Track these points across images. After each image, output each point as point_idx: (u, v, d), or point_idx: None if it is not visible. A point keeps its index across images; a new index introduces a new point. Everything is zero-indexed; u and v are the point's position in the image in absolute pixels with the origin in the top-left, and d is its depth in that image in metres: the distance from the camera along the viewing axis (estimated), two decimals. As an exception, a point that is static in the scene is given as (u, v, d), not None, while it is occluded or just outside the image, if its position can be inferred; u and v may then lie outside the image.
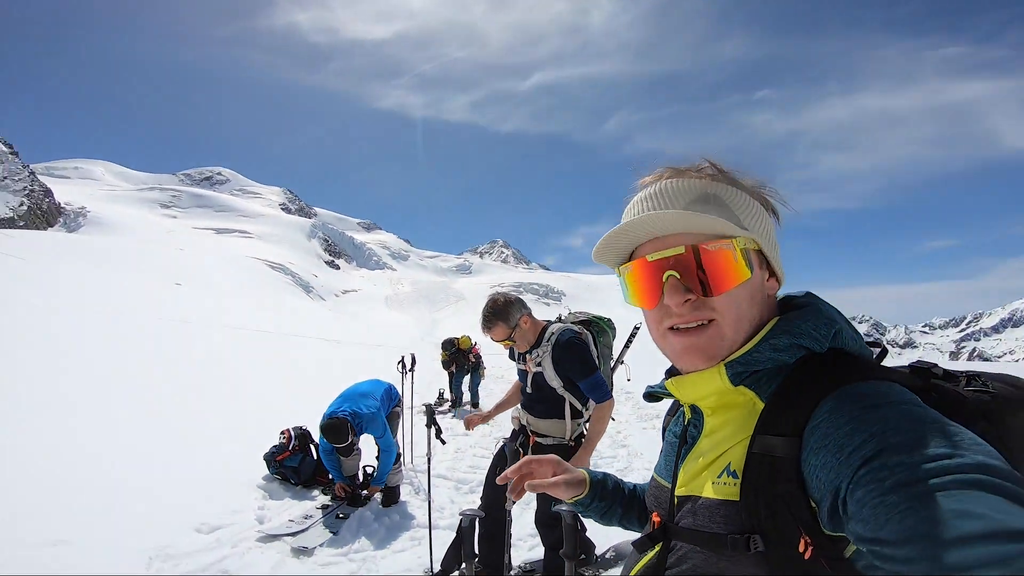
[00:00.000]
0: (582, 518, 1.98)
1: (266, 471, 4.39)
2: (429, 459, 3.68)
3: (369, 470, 4.32)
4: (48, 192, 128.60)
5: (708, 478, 0.68)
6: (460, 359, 8.60)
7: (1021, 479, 0.45)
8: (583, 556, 2.73)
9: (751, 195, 0.72)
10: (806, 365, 0.64)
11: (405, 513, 4.02)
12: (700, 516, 0.67)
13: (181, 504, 3.59)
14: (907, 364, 0.71)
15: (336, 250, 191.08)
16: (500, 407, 3.00)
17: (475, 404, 8.52)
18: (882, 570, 0.46)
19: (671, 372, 0.79)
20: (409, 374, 5.82)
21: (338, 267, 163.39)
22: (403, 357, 5.94)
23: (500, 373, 12.69)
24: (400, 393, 4.79)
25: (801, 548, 0.57)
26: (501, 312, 2.52)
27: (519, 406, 2.79)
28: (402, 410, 4.82)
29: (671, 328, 0.69)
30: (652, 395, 0.81)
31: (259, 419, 5.94)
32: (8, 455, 4.12)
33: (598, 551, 3.14)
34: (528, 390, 2.64)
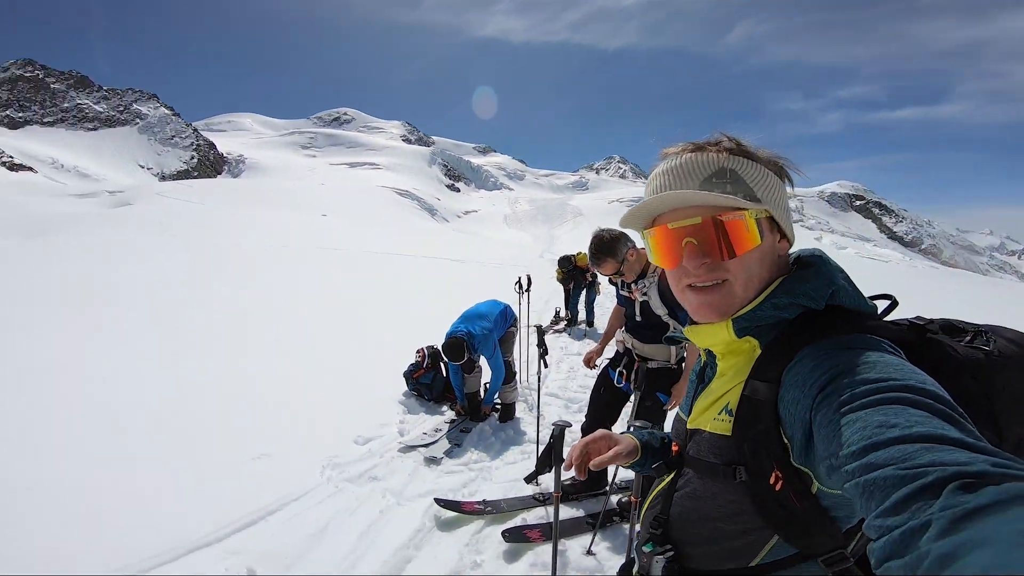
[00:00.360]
0: None
1: (405, 387, 4.77)
2: (540, 378, 3.91)
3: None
4: (212, 145, 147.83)
5: (711, 414, 0.77)
6: (577, 276, 8.37)
7: (942, 397, 0.53)
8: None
9: (766, 166, 0.77)
10: (802, 320, 0.72)
11: (518, 429, 4.29)
12: (702, 447, 0.77)
13: (343, 420, 4.12)
14: (907, 319, 0.77)
15: (455, 174, 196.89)
16: (608, 337, 3.13)
17: (590, 323, 8.42)
18: (839, 482, 0.52)
19: (691, 321, 0.86)
20: (525, 294, 5.98)
21: (458, 190, 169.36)
22: (519, 278, 6.04)
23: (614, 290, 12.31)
24: (516, 313, 4.87)
25: (772, 480, 0.65)
26: (608, 248, 2.63)
27: (623, 330, 2.90)
28: (518, 330, 4.91)
29: (689, 286, 0.77)
30: (672, 339, 0.91)
31: (399, 338, 6.38)
32: (217, 378, 5.00)
33: None
34: (636, 317, 2.75)
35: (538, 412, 3.72)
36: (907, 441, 0.47)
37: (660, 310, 2.60)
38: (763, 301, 0.74)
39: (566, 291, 8.58)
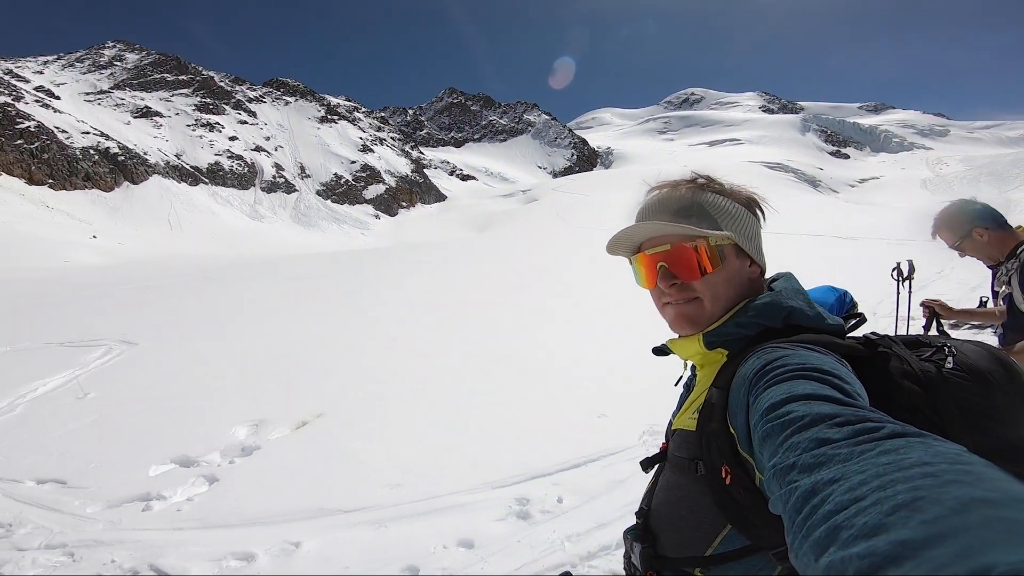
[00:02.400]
0: None
1: None
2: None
3: None
4: (584, 142, 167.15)
5: (687, 415, 0.87)
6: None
7: (841, 375, 0.63)
8: None
9: (735, 200, 0.91)
10: (761, 335, 0.82)
11: None
12: (676, 444, 0.86)
13: (667, 394, 3.69)
14: (862, 335, 0.84)
15: (840, 139, 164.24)
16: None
17: None
18: (756, 447, 0.62)
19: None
20: (906, 282, 4.76)
21: (847, 156, 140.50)
22: (899, 263, 4.90)
23: None
24: (855, 300, 3.21)
25: (723, 474, 0.72)
26: (949, 219, 2.37)
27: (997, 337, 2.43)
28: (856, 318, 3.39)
29: (666, 303, 0.91)
30: (661, 351, 1.00)
31: None
32: (581, 346, 6.33)
33: None
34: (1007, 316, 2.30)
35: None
36: (794, 400, 0.58)
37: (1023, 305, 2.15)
38: (728, 319, 0.85)
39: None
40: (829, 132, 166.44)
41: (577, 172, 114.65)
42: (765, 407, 0.61)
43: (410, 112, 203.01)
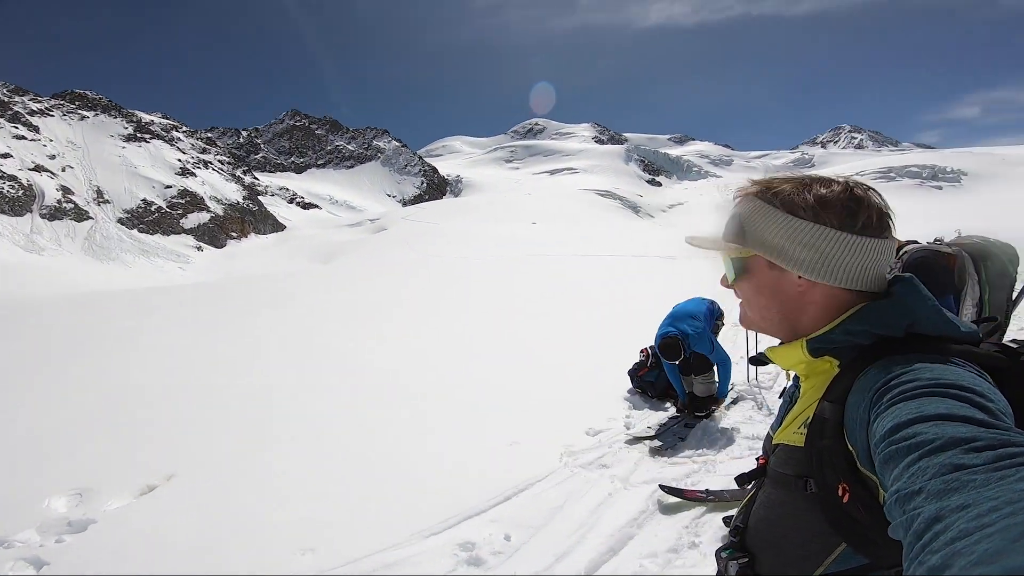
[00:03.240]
0: None
1: (630, 384, 5.18)
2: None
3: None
4: (434, 170, 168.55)
5: (792, 429, 0.84)
6: None
7: (985, 395, 0.58)
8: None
9: (788, 209, 0.81)
10: (878, 345, 0.75)
11: (745, 425, 4.38)
12: (780, 460, 0.84)
13: (575, 414, 4.65)
14: (999, 343, 0.77)
15: (654, 168, 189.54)
16: None
17: None
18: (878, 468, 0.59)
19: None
20: None
21: (659, 184, 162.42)
22: None
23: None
24: (722, 310, 4.98)
25: (840, 493, 0.68)
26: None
27: None
28: (723, 324, 5.09)
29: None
30: (757, 360, 0.96)
31: (621, 337, 6.92)
32: (472, 375, 6.07)
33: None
34: None
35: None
36: (923, 421, 0.54)
37: None
38: (836, 326, 0.78)
39: None
40: (646, 161, 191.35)
41: (427, 200, 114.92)
42: (889, 428, 0.57)
43: (244, 134, 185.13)
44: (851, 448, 0.68)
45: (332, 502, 3.32)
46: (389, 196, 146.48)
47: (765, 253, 0.83)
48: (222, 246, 68.89)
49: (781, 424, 0.90)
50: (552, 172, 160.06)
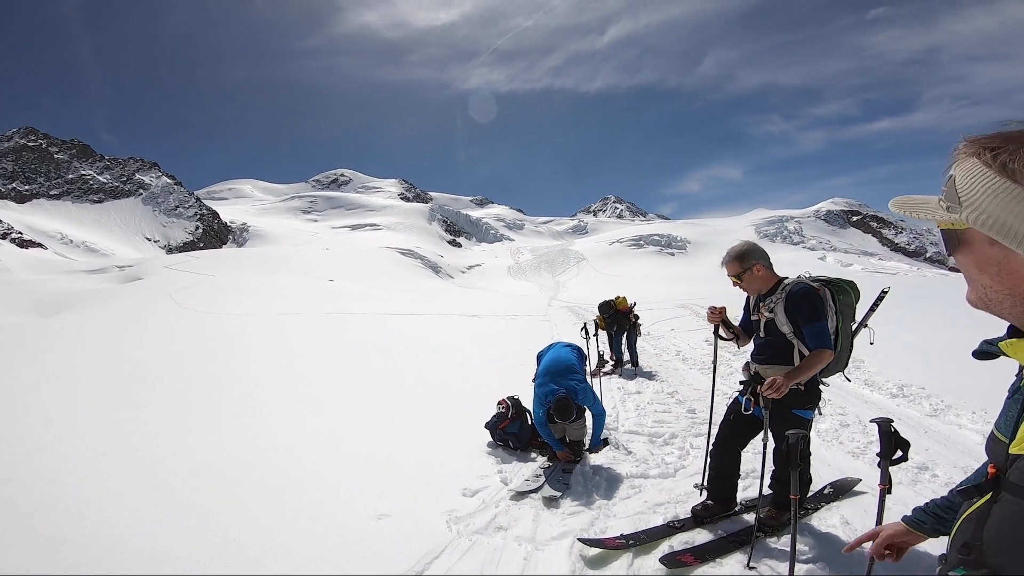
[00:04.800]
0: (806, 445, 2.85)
1: (489, 439, 4.84)
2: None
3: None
4: (215, 214, 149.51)
5: None
6: (620, 320, 8.78)
7: None
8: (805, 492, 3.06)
9: (996, 171, 0.69)
10: None
11: (614, 466, 4.36)
12: None
13: (442, 476, 4.13)
14: None
15: (456, 229, 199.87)
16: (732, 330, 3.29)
17: (635, 363, 8.60)
18: None
19: (1014, 332, 0.78)
20: (594, 338, 6.96)
21: (460, 244, 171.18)
22: (585, 324, 7.11)
23: (648, 330, 12.81)
24: (586, 353, 5.18)
25: None
26: (740, 254, 2.96)
27: (749, 358, 3.12)
28: (589, 369, 5.26)
29: None
30: (985, 353, 0.81)
31: (460, 392, 6.83)
32: (288, 444, 4.87)
33: (815, 487, 3.45)
34: (759, 336, 2.97)
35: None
36: None
37: (785, 327, 2.82)
38: None
39: (609, 335, 8.95)
40: (448, 222, 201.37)
41: (202, 248, 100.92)
42: None
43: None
44: None
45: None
46: (149, 240, 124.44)
47: (984, 227, 0.70)
48: None
49: (1017, 431, 0.77)
50: (354, 227, 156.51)
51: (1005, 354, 0.78)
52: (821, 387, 2.94)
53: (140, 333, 15.37)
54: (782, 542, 2.99)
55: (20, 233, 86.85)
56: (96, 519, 3.36)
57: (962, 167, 0.73)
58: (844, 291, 2.89)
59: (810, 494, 3.29)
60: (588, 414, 4.45)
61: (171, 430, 5.27)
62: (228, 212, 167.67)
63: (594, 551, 2.95)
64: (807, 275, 2.96)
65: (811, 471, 3.12)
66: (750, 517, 3.23)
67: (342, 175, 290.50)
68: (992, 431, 0.87)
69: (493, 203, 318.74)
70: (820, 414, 3.21)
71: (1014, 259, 0.69)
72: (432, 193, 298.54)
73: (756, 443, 3.13)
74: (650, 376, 8.03)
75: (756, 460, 3.50)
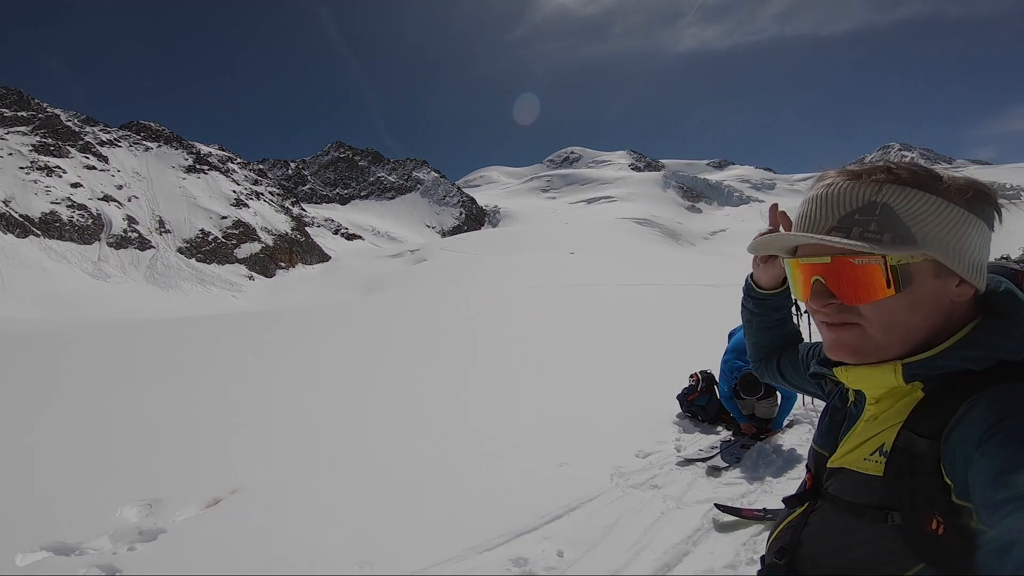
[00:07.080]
0: None
1: (679, 409, 5.14)
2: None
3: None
4: (472, 200, 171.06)
5: (860, 455, 0.74)
6: None
7: None
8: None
9: (948, 198, 0.66)
10: (990, 371, 0.65)
11: (802, 447, 4.29)
12: (846, 486, 0.74)
13: (625, 437, 4.64)
14: None
15: (694, 194, 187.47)
16: None
17: None
18: (989, 517, 0.52)
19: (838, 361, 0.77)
20: (805, 315, 6.47)
21: (700, 210, 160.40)
22: (795, 301, 5.95)
23: None
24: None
25: (933, 526, 0.62)
26: None
27: None
28: None
29: (822, 322, 0.74)
30: (817, 375, 0.84)
31: (667, 363, 7.09)
32: (526, 399, 6.13)
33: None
34: None
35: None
36: None
37: None
38: (948, 350, 0.66)
39: None
40: (685, 188, 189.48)
41: (465, 231, 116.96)
42: (999, 468, 0.52)
43: (292, 165, 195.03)
44: (948, 482, 0.61)
45: (384, 519, 3.37)
46: (428, 227, 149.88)
47: (944, 256, 0.66)
48: (272, 276, 72.02)
49: (837, 444, 0.79)
50: (589, 201, 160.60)
51: (835, 379, 0.78)
52: None
53: (431, 306, 18.49)
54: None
55: (346, 228, 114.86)
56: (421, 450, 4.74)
57: (896, 195, 0.65)
58: None
59: None
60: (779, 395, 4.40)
61: (455, 381, 7.30)
62: (482, 197, 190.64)
63: (728, 518, 3.14)
64: (1015, 253, 2.08)
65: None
66: None
67: (572, 152, 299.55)
68: (812, 447, 0.88)
69: (734, 164, 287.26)
70: None
71: (948, 289, 0.67)
72: (663, 160, 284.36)
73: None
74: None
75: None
